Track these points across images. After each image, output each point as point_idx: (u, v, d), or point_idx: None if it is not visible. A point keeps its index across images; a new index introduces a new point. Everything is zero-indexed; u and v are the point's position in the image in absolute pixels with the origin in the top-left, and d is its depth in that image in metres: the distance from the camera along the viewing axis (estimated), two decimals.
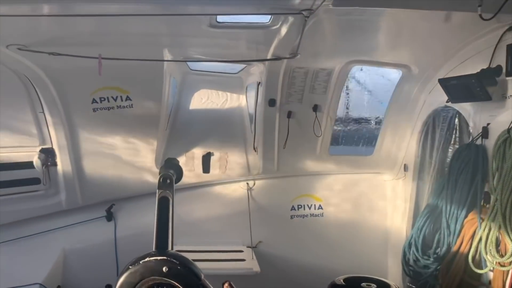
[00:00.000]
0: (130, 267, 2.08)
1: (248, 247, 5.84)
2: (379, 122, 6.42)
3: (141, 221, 5.90)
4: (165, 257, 2.15)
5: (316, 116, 5.59)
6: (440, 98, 4.75)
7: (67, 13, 3.62)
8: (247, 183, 6.17)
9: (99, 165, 5.62)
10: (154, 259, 2.12)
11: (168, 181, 2.78)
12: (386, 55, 5.11)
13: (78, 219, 5.79)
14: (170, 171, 2.92)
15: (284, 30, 4.09)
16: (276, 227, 6.11)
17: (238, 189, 6.19)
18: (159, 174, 2.99)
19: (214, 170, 6.04)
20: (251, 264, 5.33)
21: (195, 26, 4.11)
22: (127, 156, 5.68)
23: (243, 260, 5.47)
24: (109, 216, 5.88)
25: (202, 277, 2.13)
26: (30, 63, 4.49)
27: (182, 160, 5.77)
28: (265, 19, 4.07)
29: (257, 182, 6.20)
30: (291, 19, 3.80)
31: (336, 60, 5.13)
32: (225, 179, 6.20)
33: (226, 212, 6.11)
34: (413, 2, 3.42)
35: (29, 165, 5.30)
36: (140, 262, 2.13)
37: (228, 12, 3.76)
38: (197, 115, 6.18)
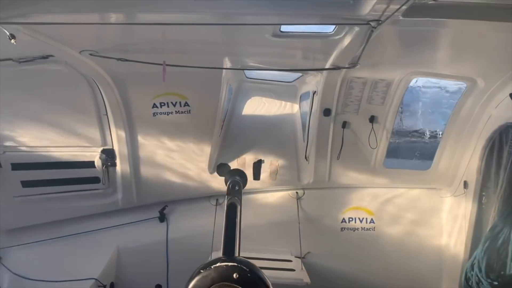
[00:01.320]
0: (202, 271, 2.11)
1: (296, 257, 5.79)
2: (436, 136, 6.21)
3: (192, 224, 6.05)
4: (235, 263, 2.16)
5: (372, 128, 5.47)
6: (508, 113, 4.51)
7: (134, 21, 3.77)
8: (297, 192, 6.14)
9: (154, 167, 5.79)
10: (225, 265, 2.14)
11: (237, 187, 2.80)
12: (450, 67, 4.92)
13: (133, 219, 6.00)
14: (237, 178, 2.95)
15: (347, 40, 4.05)
16: (325, 239, 6.02)
17: (287, 198, 6.17)
18: (225, 180, 3.03)
19: (265, 178, 6.06)
20: (301, 274, 5.28)
21: (258, 35, 4.15)
22: (181, 159, 5.82)
23: (292, 270, 5.42)
24: (162, 217, 6.04)
25: (270, 286, 2.13)
26: (98, 67, 4.71)
27: (233, 166, 5.86)
28: (329, 28, 4.05)
29: (307, 191, 6.15)
30: (356, 29, 3.75)
31: (397, 71, 5.01)
32: (275, 187, 6.20)
33: (274, 221, 6.10)
34: (488, 13, 3.28)
35: (91, 164, 5.55)
36: (212, 266, 2.15)
37: (293, 22, 3.77)
38: (250, 122, 6.24)
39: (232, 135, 6.15)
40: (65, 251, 5.69)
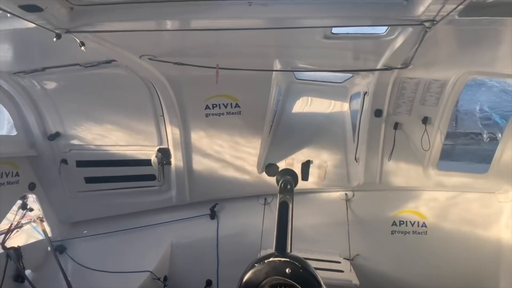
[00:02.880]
0: (256, 265, 2.21)
1: (345, 258, 5.77)
2: (494, 138, 5.94)
3: (241, 222, 6.20)
4: (288, 259, 2.25)
5: (425, 129, 5.34)
6: None
7: (189, 27, 3.94)
8: (346, 194, 6.11)
9: (206, 166, 6.00)
10: (278, 260, 2.23)
11: (289, 186, 2.90)
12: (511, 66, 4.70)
13: (185, 215, 6.26)
14: (288, 177, 3.04)
15: (399, 40, 4.00)
16: (375, 241, 5.94)
17: (336, 199, 6.15)
18: (276, 180, 3.13)
19: (313, 178, 6.08)
20: (350, 276, 5.26)
21: (309, 37, 4.21)
22: (232, 159, 5.99)
23: (341, 271, 5.41)
24: (213, 215, 6.25)
25: (322, 282, 2.19)
26: (156, 71, 4.97)
27: (281, 166, 5.94)
28: (380, 29, 4.02)
29: (356, 193, 6.10)
30: (409, 29, 3.70)
31: (452, 71, 4.87)
32: (323, 188, 6.21)
33: (322, 222, 6.11)
34: None
35: (148, 162, 5.86)
36: (265, 261, 2.25)
37: (345, 24, 3.79)
38: (299, 123, 6.30)
39: (281, 135, 6.23)
40: (123, 244, 6.05)
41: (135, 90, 5.29)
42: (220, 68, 4.53)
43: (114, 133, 5.67)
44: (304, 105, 6.39)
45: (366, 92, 5.37)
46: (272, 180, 5.47)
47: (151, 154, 5.85)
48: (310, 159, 6.08)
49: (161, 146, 5.85)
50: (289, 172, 3.19)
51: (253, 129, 5.77)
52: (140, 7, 3.44)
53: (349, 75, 5.74)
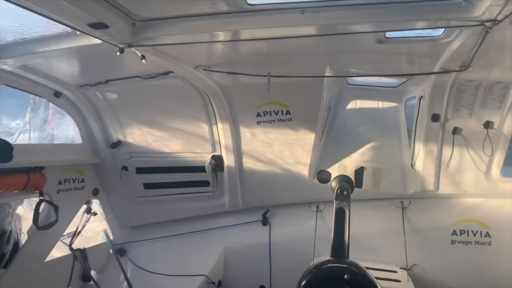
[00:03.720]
0: (314, 270, 2.22)
1: (401, 268, 5.58)
2: None
3: (293, 229, 6.20)
4: (346, 265, 2.24)
5: (487, 134, 5.07)
6: None
7: (242, 38, 4.04)
8: (402, 201, 5.92)
9: (258, 173, 6.08)
10: (337, 266, 2.23)
11: (345, 193, 2.89)
12: None
13: (238, 221, 6.36)
14: (344, 183, 3.03)
15: (458, 42, 3.86)
16: (433, 251, 5.69)
17: (391, 207, 5.98)
18: (332, 186, 3.12)
19: (367, 185, 5.95)
20: (407, 286, 5.08)
21: (361, 43, 4.17)
22: (283, 166, 6.02)
23: (398, 281, 5.24)
24: (265, 221, 6.30)
25: None
26: (210, 81, 5.15)
27: (333, 173, 5.86)
28: (437, 31, 3.90)
29: (412, 201, 5.90)
30: (469, 31, 3.56)
31: None
32: (378, 195, 6.06)
33: (378, 230, 5.95)
34: None
35: (202, 169, 6.03)
36: (323, 267, 2.26)
37: (400, 28, 3.72)
38: (351, 129, 6.20)
39: (333, 141, 6.17)
40: (179, 248, 6.26)
41: (190, 99, 5.50)
42: (271, 76, 4.60)
43: (170, 141, 5.91)
44: (356, 110, 6.29)
45: (422, 96, 5.20)
46: (324, 186, 5.44)
47: (205, 161, 6.02)
48: (364, 166, 5.96)
49: (214, 153, 6.01)
50: (345, 178, 3.16)
51: (304, 136, 5.76)
52: (196, 20, 3.59)
53: (404, 79, 5.58)
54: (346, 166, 6.06)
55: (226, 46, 4.38)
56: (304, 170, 6.01)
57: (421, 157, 5.48)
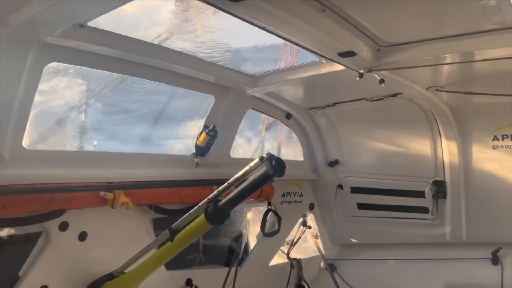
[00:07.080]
0: None
1: None
2: None
3: None
4: None
5: None
6: None
7: (485, 58, 3.69)
8: None
9: (489, 204, 5.41)
10: None
11: None
12: None
13: (460, 255, 5.75)
14: None
15: None
16: None
17: None
18: None
19: None
20: None
21: None
22: None
23: None
24: (495, 260, 5.52)
25: None
26: (440, 101, 4.90)
27: None
28: None
29: None
30: None
31: None
32: None
33: None
34: None
35: (420, 194, 5.72)
36: None
37: None
38: None
39: None
40: (393, 273, 6.06)
41: (414, 121, 5.33)
42: None
43: (389, 162, 5.82)
44: None
45: None
46: None
47: (425, 185, 5.68)
48: None
49: (436, 178, 5.63)
50: None
51: None
52: (438, 42, 3.46)
53: None
54: None
55: (462, 65, 4.09)
56: None
57: None
